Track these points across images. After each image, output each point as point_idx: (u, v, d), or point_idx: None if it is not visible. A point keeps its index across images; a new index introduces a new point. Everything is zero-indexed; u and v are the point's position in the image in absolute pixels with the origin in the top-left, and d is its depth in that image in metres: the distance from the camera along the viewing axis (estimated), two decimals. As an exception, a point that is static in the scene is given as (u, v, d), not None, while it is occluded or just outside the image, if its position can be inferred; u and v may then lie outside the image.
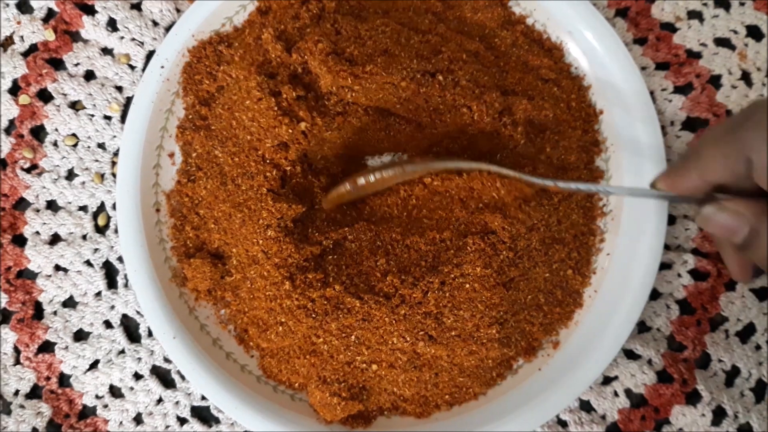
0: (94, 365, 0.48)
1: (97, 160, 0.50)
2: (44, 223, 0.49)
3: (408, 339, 0.42)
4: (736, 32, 0.49)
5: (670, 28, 0.50)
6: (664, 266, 0.47)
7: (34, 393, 0.48)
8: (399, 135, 0.45)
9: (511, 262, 0.43)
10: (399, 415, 0.45)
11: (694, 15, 0.50)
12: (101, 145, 0.50)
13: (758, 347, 0.47)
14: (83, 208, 0.49)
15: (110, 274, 0.49)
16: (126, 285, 0.49)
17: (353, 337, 0.42)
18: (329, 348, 0.43)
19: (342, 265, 0.43)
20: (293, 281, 0.42)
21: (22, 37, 0.50)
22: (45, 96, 0.50)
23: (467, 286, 0.42)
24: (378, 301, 0.42)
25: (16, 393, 0.48)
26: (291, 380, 0.45)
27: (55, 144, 0.50)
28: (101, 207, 0.50)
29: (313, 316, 0.42)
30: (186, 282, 0.46)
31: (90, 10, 0.50)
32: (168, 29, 0.50)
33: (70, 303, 0.49)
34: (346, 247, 0.44)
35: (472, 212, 0.44)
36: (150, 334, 0.48)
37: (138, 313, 0.48)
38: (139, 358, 0.48)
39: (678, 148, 0.48)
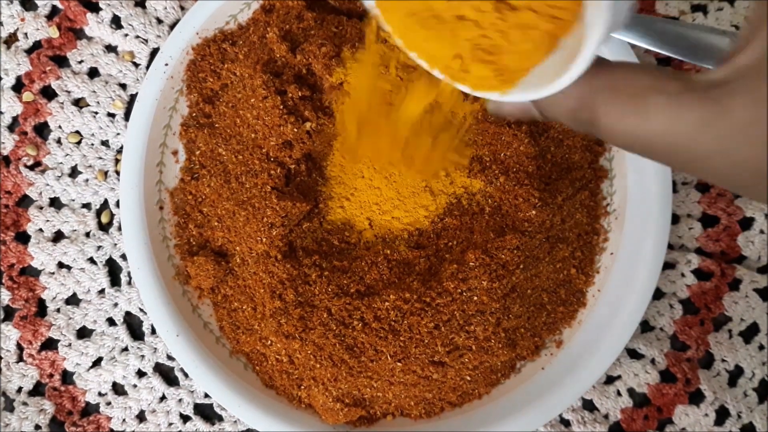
0: (97, 363, 0.48)
1: (100, 158, 0.50)
2: (47, 221, 0.49)
3: (418, 371, 0.42)
4: (737, 27, 0.49)
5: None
6: (668, 266, 0.47)
7: (37, 390, 0.48)
8: None
9: (515, 267, 0.43)
10: (402, 416, 0.45)
11: (698, 9, 0.49)
12: (105, 143, 0.50)
13: (761, 347, 0.47)
14: (86, 206, 0.49)
15: (113, 271, 0.49)
16: (129, 282, 0.49)
17: (361, 378, 0.42)
18: (330, 375, 0.42)
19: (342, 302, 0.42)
20: (288, 314, 0.42)
21: (26, 34, 0.50)
22: (48, 93, 0.50)
23: (475, 298, 0.41)
24: (385, 338, 0.41)
25: (19, 390, 0.48)
26: (291, 392, 0.45)
27: (58, 141, 0.50)
28: (104, 204, 0.50)
29: (314, 357, 0.42)
30: (189, 280, 0.46)
31: (94, 8, 0.50)
32: (172, 27, 0.50)
33: (73, 300, 0.49)
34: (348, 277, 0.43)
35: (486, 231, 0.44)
36: (153, 331, 0.48)
37: (141, 310, 0.48)
38: (142, 356, 0.48)
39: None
